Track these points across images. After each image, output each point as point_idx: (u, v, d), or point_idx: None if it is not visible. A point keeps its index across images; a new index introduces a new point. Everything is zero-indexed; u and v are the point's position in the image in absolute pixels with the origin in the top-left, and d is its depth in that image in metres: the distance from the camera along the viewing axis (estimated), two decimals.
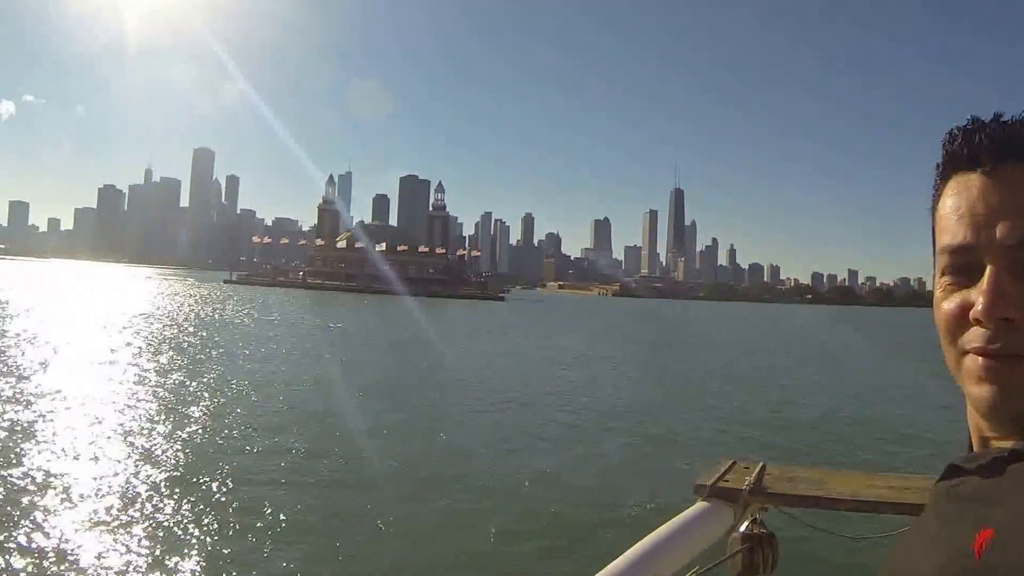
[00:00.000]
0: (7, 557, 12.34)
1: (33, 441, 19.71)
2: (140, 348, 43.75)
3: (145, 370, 34.79)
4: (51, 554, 12.63)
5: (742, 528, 3.90)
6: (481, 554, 13.29)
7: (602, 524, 14.70)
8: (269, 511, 14.71)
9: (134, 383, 30.65)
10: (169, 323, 64.92)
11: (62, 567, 12.11)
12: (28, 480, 16.45)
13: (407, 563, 12.79)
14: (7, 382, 28.39)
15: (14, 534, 13.25)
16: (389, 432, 23.61)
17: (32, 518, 14.22)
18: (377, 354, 50.44)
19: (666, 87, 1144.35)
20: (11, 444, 19.24)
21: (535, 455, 21.36)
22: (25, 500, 15.18)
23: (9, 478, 16.36)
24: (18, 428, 21.04)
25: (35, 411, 23.39)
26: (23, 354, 36.66)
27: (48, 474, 16.74)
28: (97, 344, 43.84)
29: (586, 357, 54.00)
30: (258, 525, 13.98)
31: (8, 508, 14.58)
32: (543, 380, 39.20)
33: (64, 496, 15.26)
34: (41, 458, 17.91)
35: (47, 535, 13.43)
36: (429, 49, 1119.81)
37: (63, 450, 18.72)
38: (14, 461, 17.72)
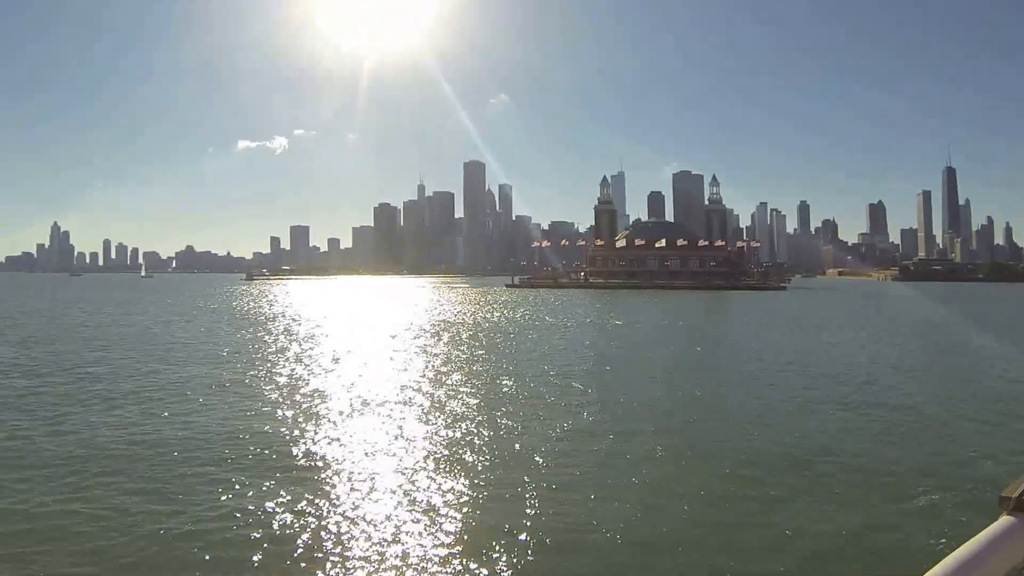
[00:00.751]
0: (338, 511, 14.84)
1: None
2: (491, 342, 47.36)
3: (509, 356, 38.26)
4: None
5: None
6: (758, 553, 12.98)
7: (896, 533, 14.02)
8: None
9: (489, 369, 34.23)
10: (492, 323, 70.29)
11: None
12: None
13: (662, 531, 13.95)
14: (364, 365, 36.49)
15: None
16: (676, 411, 25.90)
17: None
18: (672, 343, 52.54)
19: (935, 65, 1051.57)
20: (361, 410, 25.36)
21: (815, 448, 20.49)
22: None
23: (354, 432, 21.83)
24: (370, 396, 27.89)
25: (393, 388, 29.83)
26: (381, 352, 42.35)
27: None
28: (439, 340, 50.08)
29: (874, 343, 52.45)
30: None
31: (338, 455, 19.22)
32: (834, 369, 37.76)
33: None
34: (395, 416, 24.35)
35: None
36: (694, 43, 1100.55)
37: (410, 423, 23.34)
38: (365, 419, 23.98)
